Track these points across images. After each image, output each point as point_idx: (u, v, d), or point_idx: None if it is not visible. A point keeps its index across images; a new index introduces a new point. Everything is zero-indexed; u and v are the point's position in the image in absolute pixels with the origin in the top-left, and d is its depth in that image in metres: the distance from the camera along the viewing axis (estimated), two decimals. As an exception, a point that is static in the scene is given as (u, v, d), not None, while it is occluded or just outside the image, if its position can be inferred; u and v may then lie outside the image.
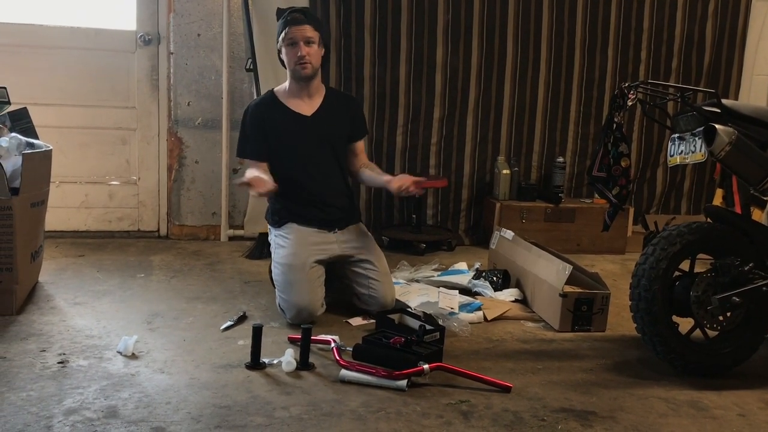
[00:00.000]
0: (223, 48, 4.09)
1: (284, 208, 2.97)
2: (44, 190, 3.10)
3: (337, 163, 3.04)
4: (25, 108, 3.26)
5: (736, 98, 4.60)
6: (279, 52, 2.97)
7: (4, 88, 3.15)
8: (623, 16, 4.43)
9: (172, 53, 4.11)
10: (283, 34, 2.88)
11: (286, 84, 3.01)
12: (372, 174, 3.06)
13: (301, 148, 2.94)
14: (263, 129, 2.93)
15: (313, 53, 2.89)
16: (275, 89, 3.05)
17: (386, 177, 2.97)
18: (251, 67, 4.01)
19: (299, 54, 2.85)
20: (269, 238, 3.06)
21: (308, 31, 2.86)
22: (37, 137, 3.18)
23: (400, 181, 2.82)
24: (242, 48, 4.13)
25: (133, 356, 2.42)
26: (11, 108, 3.19)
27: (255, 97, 3.97)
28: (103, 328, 2.68)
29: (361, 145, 3.12)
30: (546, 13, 4.35)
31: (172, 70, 4.13)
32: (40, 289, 3.12)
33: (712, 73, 4.59)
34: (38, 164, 2.97)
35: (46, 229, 3.30)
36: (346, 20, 4.15)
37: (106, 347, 2.49)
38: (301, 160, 2.94)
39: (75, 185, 4.14)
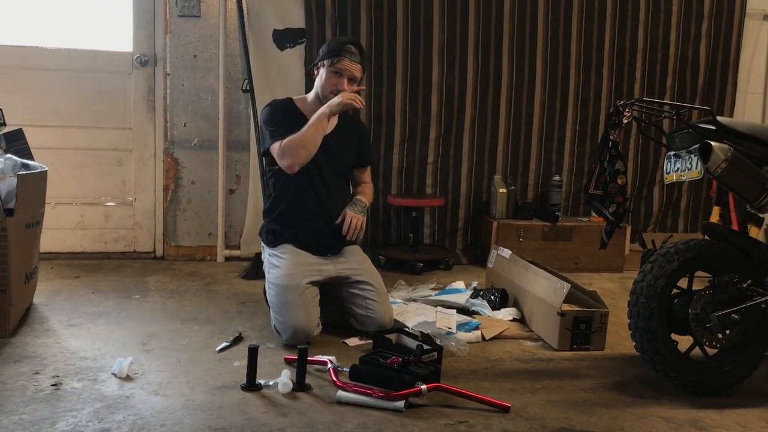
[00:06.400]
0: (219, 69, 4.11)
1: (281, 228, 2.95)
2: (39, 212, 3.08)
3: (345, 182, 3.07)
4: (21, 129, 3.25)
5: (731, 116, 4.61)
6: (314, 66, 2.96)
7: (0, 109, 3.15)
8: (617, 35, 4.46)
9: (168, 74, 4.12)
10: (334, 59, 2.86)
11: (308, 97, 3.00)
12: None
13: (314, 161, 2.86)
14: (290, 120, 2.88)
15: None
16: (294, 98, 3.02)
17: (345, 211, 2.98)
18: (247, 87, 4.03)
19: (340, 88, 2.86)
20: (262, 257, 3.04)
21: (357, 71, 2.91)
22: (32, 158, 3.17)
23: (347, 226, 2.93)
24: (238, 69, 4.15)
25: (128, 378, 2.39)
26: (6, 129, 3.19)
27: (252, 117, 3.98)
28: (97, 349, 2.66)
29: (361, 174, 3.12)
30: (541, 33, 4.38)
31: (168, 91, 4.14)
32: (34, 310, 3.10)
33: (706, 91, 4.61)
34: (33, 185, 2.96)
35: (42, 251, 3.28)
36: (342, 41, 4.16)
37: (101, 369, 2.46)
38: (312, 175, 2.90)
39: (71, 206, 4.12)
